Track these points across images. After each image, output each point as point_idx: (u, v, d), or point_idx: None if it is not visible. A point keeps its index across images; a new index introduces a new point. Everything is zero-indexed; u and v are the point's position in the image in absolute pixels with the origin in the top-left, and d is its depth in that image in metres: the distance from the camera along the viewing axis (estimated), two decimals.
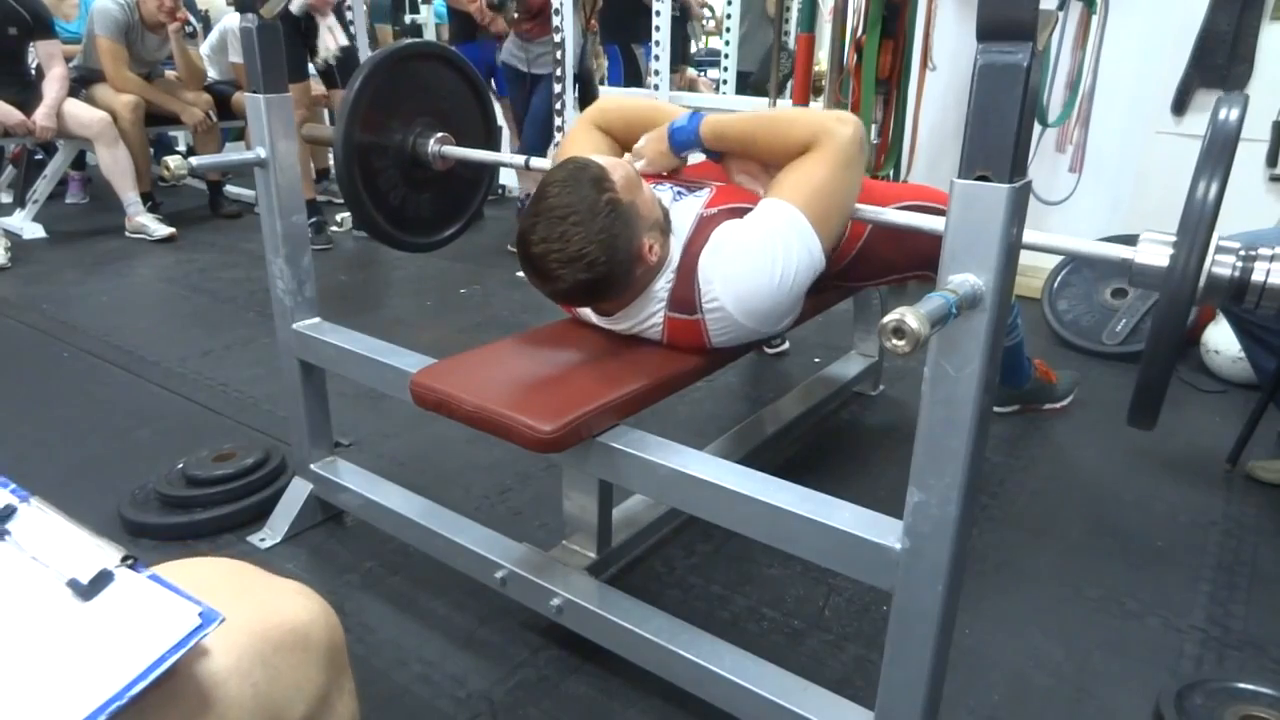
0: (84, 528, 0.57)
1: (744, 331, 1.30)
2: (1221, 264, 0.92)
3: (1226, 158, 0.90)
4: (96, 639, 0.50)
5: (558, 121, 3.69)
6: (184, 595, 0.53)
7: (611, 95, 1.59)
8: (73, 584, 0.52)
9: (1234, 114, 0.91)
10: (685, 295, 1.28)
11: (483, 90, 1.78)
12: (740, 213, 1.31)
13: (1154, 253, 0.94)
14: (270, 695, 0.56)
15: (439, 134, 1.66)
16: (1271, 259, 0.91)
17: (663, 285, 1.30)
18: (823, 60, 3.18)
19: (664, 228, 1.29)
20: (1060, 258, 2.93)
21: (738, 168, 1.41)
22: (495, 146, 1.82)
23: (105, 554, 0.54)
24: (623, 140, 1.52)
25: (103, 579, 0.53)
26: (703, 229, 1.30)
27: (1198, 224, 0.89)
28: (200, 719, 0.52)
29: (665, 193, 1.41)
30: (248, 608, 0.59)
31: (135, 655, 0.48)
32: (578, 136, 1.53)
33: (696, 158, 1.47)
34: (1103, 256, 1.00)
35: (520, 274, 1.28)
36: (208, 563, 0.63)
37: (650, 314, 1.32)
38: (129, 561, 0.54)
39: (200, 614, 0.51)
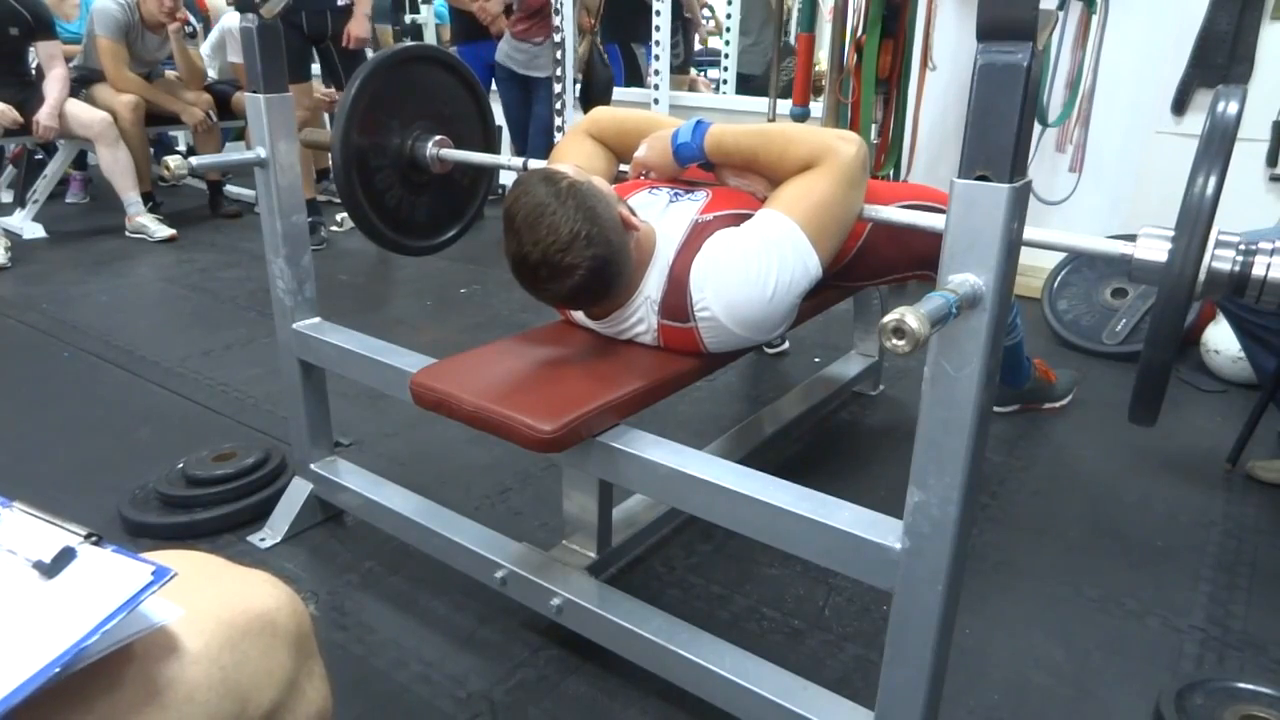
0: (60, 520, 0.59)
1: (738, 339, 1.30)
2: (1221, 258, 0.92)
3: (1225, 150, 0.90)
4: (57, 608, 0.52)
5: (558, 122, 3.68)
6: (140, 559, 0.55)
7: (603, 107, 1.60)
8: (38, 564, 0.55)
9: (1232, 106, 0.91)
10: (677, 303, 1.28)
11: (481, 93, 1.78)
12: (736, 219, 1.31)
13: (1153, 248, 0.93)
14: (238, 679, 0.58)
15: (437, 137, 1.66)
16: (1272, 253, 0.91)
17: (653, 289, 1.30)
18: (823, 60, 3.18)
19: (624, 204, 1.29)
20: (1060, 258, 2.94)
21: (732, 175, 1.41)
22: (494, 149, 1.82)
23: (70, 535, 0.57)
24: (617, 149, 1.52)
25: (65, 556, 0.55)
26: (696, 236, 1.30)
27: (1196, 217, 0.88)
28: (169, 701, 0.54)
29: (662, 195, 1.42)
30: (215, 595, 0.61)
31: (91, 615, 0.50)
32: (570, 145, 1.54)
33: None
34: (1102, 253, 1.00)
35: None
36: (175, 554, 0.65)
37: (639, 319, 1.32)
38: (93, 539, 0.57)
39: (153, 572, 0.53)
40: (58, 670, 0.47)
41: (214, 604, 0.60)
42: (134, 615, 0.51)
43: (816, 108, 3.13)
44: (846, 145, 1.24)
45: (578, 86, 3.80)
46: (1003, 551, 1.68)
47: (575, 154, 1.50)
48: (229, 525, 1.70)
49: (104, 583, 0.53)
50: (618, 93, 4.61)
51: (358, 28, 3.80)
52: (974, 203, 0.79)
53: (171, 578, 0.53)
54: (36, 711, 0.47)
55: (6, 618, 0.51)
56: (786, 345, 2.71)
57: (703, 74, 6.10)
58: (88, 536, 0.57)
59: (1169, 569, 1.64)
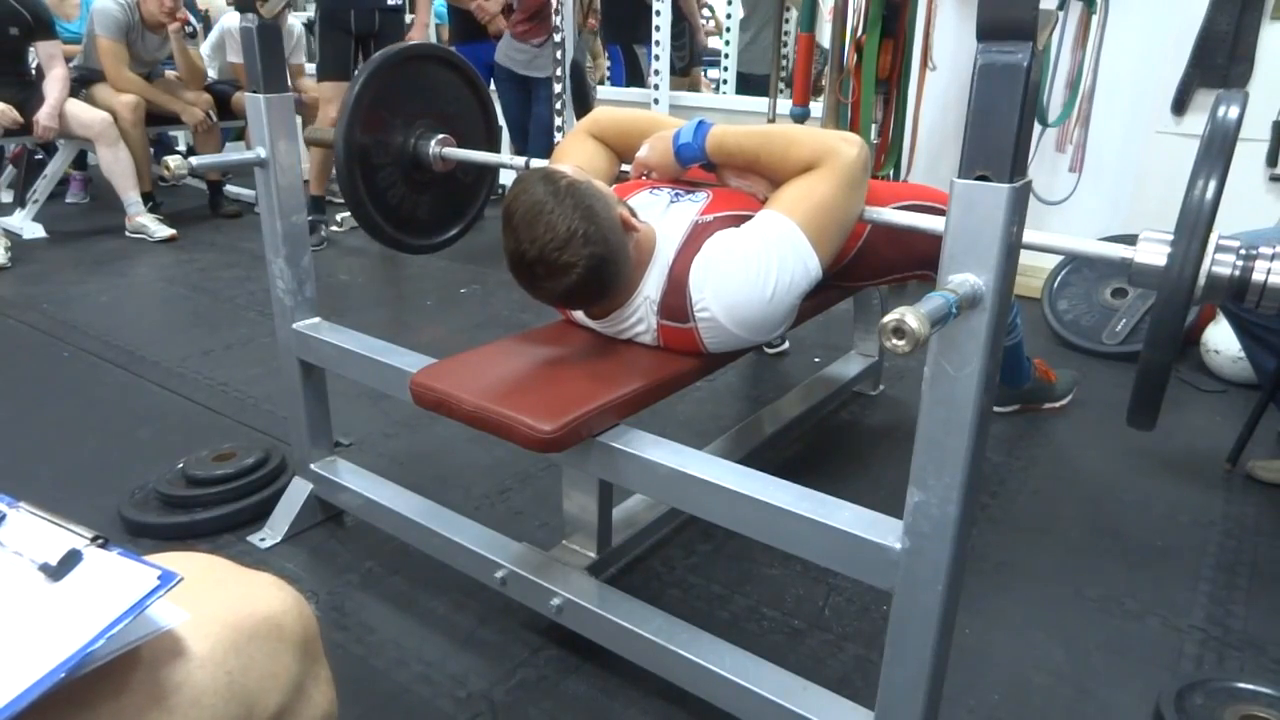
0: (66, 521, 0.58)
1: (738, 339, 1.30)
2: (1221, 263, 0.92)
3: (1225, 155, 0.90)
4: (63, 611, 0.52)
5: (557, 122, 3.68)
6: (147, 563, 0.55)
7: (605, 107, 1.61)
8: (44, 567, 0.54)
9: (1233, 111, 0.91)
10: (677, 304, 1.28)
11: (484, 93, 1.78)
12: (736, 220, 1.31)
13: (1153, 252, 0.94)
14: (244, 683, 0.58)
15: (440, 135, 1.66)
16: (1272, 258, 0.91)
17: (653, 289, 1.30)
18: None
19: (625, 205, 1.28)
20: (1060, 258, 2.94)
21: (734, 175, 1.41)
22: (496, 148, 1.83)
23: (76, 538, 0.57)
24: (618, 149, 1.52)
25: (71, 559, 0.55)
26: (696, 237, 1.30)
27: (1195, 222, 0.89)
28: (175, 705, 0.53)
29: (663, 196, 1.42)
30: (221, 598, 0.61)
31: (97, 619, 0.50)
32: (571, 145, 1.53)
33: None
34: (1102, 256, 1.00)
35: None
36: (182, 557, 0.64)
37: (639, 319, 1.32)
38: (99, 541, 0.56)
39: (159, 576, 0.53)
40: (63, 675, 0.47)
41: (220, 607, 0.60)
42: (140, 619, 0.51)
43: (816, 108, 3.13)
44: (848, 147, 1.25)
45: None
46: (1003, 551, 1.68)
47: (577, 154, 1.50)
48: (229, 525, 1.70)
49: (110, 586, 0.53)
50: (618, 93, 4.61)
51: (419, 36, 3.85)
52: (974, 203, 0.79)
53: (178, 582, 0.53)
54: (42, 716, 0.47)
55: (12, 621, 0.51)
56: (786, 345, 2.71)
57: (703, 74, 6.10)
58: (94, 539, 0.56)
59: (1169, 569, 1.64)
